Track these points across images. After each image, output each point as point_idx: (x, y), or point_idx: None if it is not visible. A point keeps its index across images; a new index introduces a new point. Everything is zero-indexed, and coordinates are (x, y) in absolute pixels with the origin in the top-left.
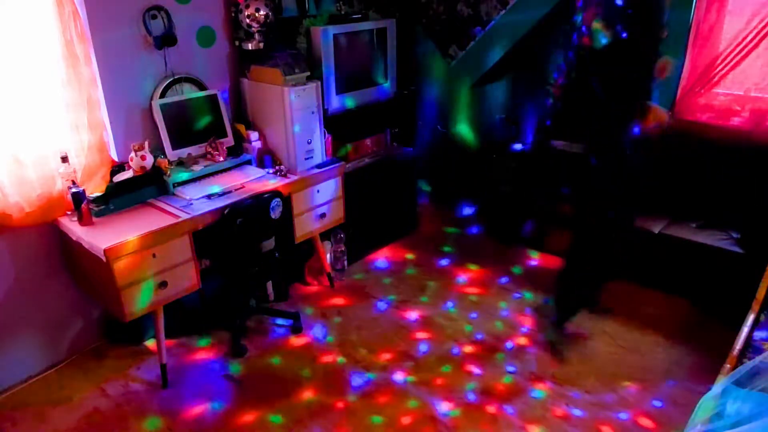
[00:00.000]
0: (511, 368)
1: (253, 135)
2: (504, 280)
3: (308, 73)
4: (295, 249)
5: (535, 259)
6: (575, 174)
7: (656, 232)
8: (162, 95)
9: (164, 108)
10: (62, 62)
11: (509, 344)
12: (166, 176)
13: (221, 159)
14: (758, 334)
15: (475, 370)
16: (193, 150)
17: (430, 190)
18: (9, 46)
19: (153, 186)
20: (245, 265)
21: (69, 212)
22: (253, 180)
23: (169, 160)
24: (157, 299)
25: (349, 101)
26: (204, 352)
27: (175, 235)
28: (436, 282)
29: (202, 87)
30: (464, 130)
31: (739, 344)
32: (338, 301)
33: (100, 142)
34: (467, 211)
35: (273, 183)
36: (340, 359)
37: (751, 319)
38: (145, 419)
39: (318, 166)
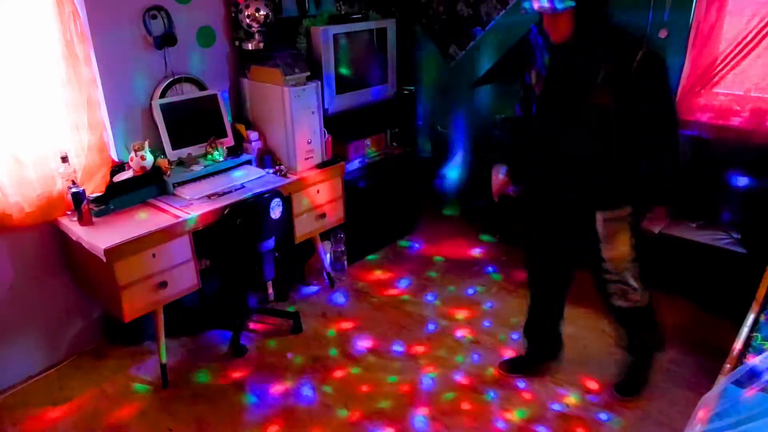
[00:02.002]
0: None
1: (253, 135)
2: (501, 279)
3: (308, 73)
4: (295, 249)
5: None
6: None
7: (656, 232)
8: (162, 95)
9: (164, 108)
10: (62, 62)
11: (509, 344)
12: (166, 176)
13: (221, 159)
14: (758, 334)
15: (475, 370)
16: (193, 150)
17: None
18: (9, 46)
19: (153, 186)
20: (245, 265)
21: (69, 212)
22: (253, 180)
23: (169, 160)
24: (157, 299)
25: (349, 101)
26: (204, 352)
27: (175, 235)
28: (435, 281)
29: (202, 87)
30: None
31: (739, 344)
32: (338, 301)
33: (100, 142)
34: (465, 210)
35: (273, 183)
36: (340, 359)
37: (751, 319)
38: (145, 419)
39: (318, 166)
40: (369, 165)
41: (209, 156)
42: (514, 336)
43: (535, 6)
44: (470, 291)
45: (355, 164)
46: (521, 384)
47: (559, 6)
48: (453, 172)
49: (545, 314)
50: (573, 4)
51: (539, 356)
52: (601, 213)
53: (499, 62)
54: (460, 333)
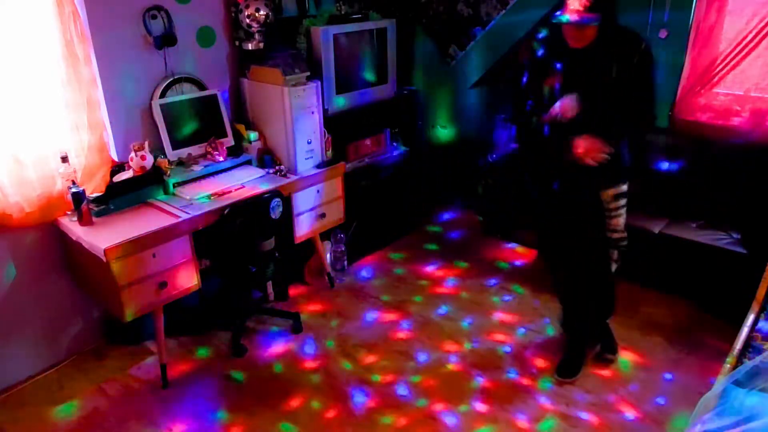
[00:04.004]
0: (510, 368)
1: (253, 135)
2: (498, 280)
3: (308, 73)
4: (295, 249)
5: (526, 256)
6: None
7: (656, 232)
8: (162, 95)
9: (164, 108)
10: (62, 62)
11: (508, 345)
12: (166, 176)
13: (221, 159)
14: (758, 334)
15: (475, 370)
16: (193, 150)
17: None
18: (9, 46)
19: (153, 186)
20: (245, 265)
21: (69, 212)
22: (253, 180)
23: (169, 160)
24: (157, 299)
25: (349, 101)
26: (204, 352)
27: (175, 235)
28: (434, 282)
29: (202, 87)
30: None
31: (739, 344)
32: (338, 301)
33: (100, 142)
34: (463, 210)
35: (273, 183)
36: (340, 359)
37: (751, 319)
38: (144, 419)
39: (318, 166)
40: (369, 165)
41: (209, 156)
42: (515, 332)
43: (572, 19)
44: (472, 291)
45: (355, 164)
46: (521, 384)
47: (594, 22)
48: (452, 171)
49: (577, 296)
50: (599, 19)
51: (581, 350)
52: (608, 189)
53: (496, 67)
54: (458, 332)
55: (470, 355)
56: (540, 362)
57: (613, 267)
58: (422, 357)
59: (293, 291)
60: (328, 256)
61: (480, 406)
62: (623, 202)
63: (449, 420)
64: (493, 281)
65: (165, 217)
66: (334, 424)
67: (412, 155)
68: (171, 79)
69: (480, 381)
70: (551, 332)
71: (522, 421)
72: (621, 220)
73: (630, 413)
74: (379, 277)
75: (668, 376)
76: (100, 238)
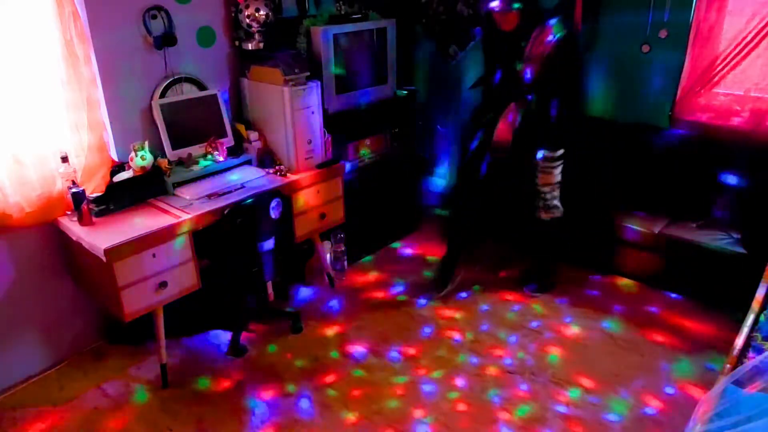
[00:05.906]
0: (510, 368)
1: (253, 135)
2: (496, 280)
3: (308, 73)
4: (295, 249)
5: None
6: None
7: (656, 232)
8: (162, 95)
9: (164, 108)
10: (62, 62)
11: (506, 343)
12: (166, 176)
13: (221, 159)
14: (758, 334)
15: (475, 370)
16: (193, 150)
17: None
18: (9, 46)
19: (153, 186)
20: (245, 265)
21: (69, 212)
22: (253, 180)
23: (169, 160)
24: (157, 299)
25: (349, 101)
26: (204, 352)
27: (175, 235)
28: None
29: (202, 87)
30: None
31: (739, 344)
32: (338, 301)
33: (100, 142)
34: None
35: (273, 183)
36: (340, 359)
37: (751, 319)
38: (145, 419)
39: (318, 166)
40: (369, 165)
41: (209, 156)
42: (512, 338)
43: (492, 5)
44: (467, 293)
45: (354, 164)
46: (522, 385)
47: (513, 6)
48: (449, 172)
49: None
50: (520, 5)
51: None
52: (542, 151)
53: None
54: (458, 334)
55: (470, 355)
56: (540, 363)
57: (544, 215)
58: (422, 355)
59: (293, 291)
60: (328, 256)
61: (479, 405)
62: (551, 164)
63: (449, 420)
64: (491, 282)
65: (165, 217)
66: (334, 425)
67: (412, 155)
68: (171, 79)
69: (479, 381)
70: (552, 334)
71: (521, 421)
72: (546, 178)
73: (630, 413)
74: (380, 277)
75: (668, 376)
76: (100, 238)
